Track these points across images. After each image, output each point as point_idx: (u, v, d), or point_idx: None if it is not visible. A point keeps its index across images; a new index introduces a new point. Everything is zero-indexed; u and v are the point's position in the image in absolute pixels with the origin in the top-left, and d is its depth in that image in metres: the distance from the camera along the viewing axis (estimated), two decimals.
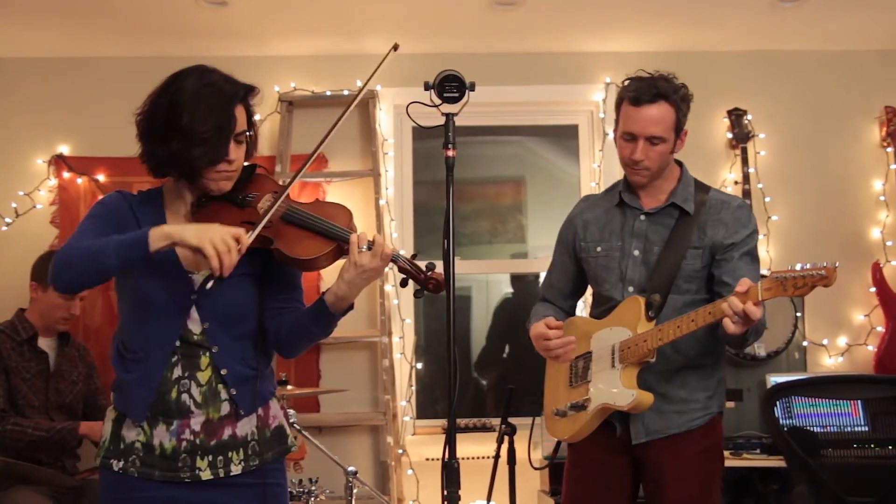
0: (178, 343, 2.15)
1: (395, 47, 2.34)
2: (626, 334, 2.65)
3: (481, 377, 5.11)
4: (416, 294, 2.16)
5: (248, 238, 2.04)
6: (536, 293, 4.71)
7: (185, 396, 2.15)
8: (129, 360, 2.16)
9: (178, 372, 2.15)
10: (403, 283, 2.19)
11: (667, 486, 2.69)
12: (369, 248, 2.10)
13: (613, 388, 2.65)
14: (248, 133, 2.21)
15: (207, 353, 2.16)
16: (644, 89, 2.66)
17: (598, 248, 2.82)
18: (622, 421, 2.73)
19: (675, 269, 2.67)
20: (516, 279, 5.11)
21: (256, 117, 2.28)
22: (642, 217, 2.77)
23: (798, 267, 2.32)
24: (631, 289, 2.73)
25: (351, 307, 2.19)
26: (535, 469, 3.05)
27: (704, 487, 2.72)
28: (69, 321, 3.84)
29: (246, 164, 2.25)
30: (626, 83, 2.73)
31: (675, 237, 2.71)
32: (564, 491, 2.86)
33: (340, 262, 2.18)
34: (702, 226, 2.70)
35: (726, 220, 2.70)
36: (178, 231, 2.01)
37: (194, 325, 2.16)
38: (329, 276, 4.45)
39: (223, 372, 2.17)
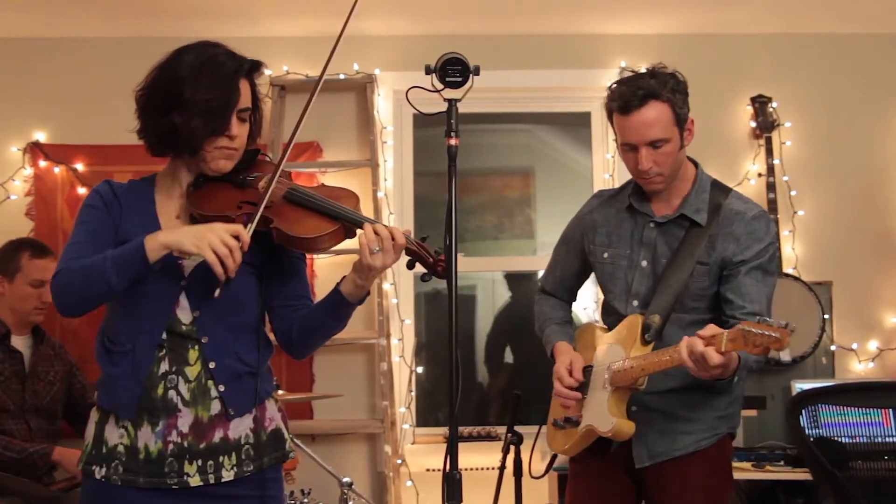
0: (164, 336, 2.15)
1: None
2: (621, 356, 2.67)
3: (486, 382, 5.12)
4: (423, 278, 2.21)
5: (247, 233, 2.07)
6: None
7: (171, 393, 2.15)
8: (116, 354, 2.17)
9: (164, 367, 2.16)
10: (410, 265, 2.23)
11: None
12: (378, 251, 2.13)
13: (599, 411, 2.67)
14: (252, 112, 2.23)
15: (196, 346, 2.17)
16: (630, 94, 2.63)
17: (605, 255, 2.83)
18: (622, 441, 2.72)
19: (681, 287, 2.66)
20: (513, 279, 5.10)
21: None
22: (652, 225, 2.76)
23: (770, 322, 2.29)
24: (636, 303, 2.74)
25: (368, 293, 2.22)
26: (533, 478, 3.08)
27: None
28: (43, 310, 3.84)
29: (249, 148, 2.27)
30: (611, 90, 2.71)
31: (683, 250, 2.69)
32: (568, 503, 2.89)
33: (340, 259, 2.19)
34: (712, 239, 2.68)
35: (738, 234, 2.67)
36: (174, 239, 2.05)
37: (184, 314, 2.17)
38: (322, 273, 4.46)
39: (211, 366, 2.17)
